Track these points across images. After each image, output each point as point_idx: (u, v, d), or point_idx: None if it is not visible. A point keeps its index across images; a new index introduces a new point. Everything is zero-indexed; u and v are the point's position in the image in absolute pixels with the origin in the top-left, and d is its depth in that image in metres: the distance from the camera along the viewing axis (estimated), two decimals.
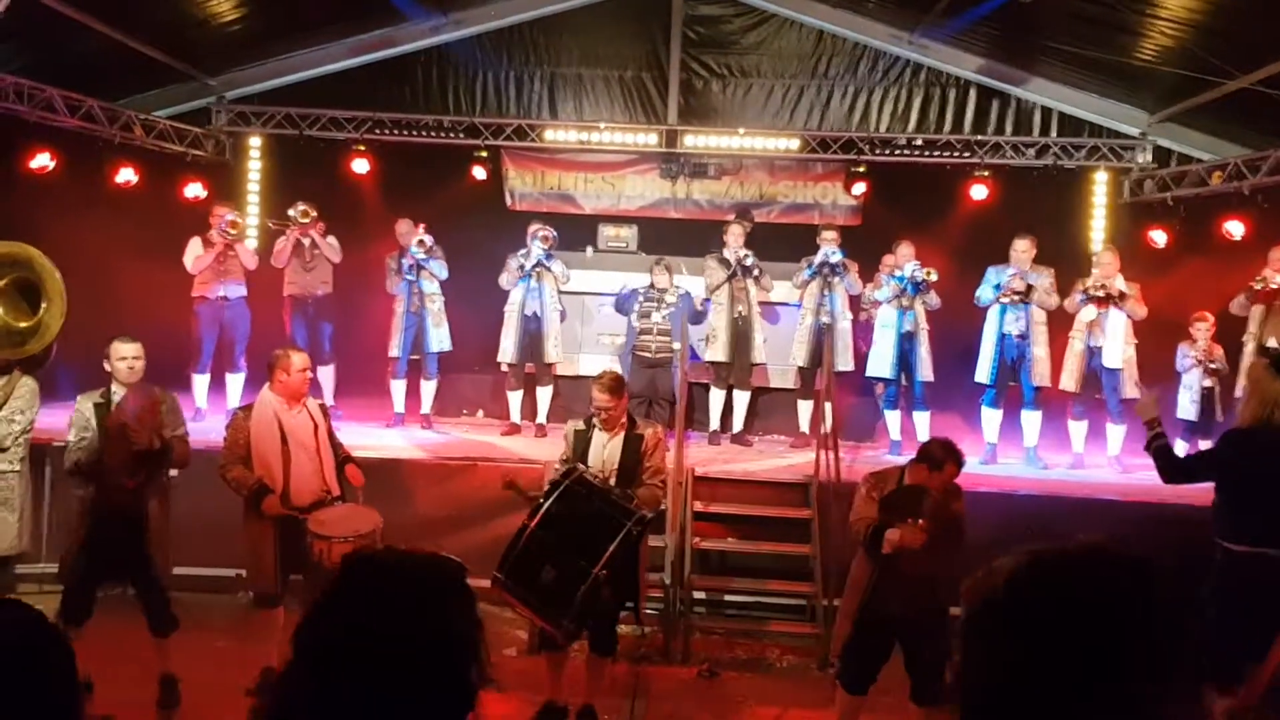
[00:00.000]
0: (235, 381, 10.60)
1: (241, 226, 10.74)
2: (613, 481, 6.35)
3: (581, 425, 6.70)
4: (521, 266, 10.66)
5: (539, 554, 5.67)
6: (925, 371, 10.33)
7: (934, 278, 10.23)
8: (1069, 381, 10.12)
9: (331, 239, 10.96)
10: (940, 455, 5.88)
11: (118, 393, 6.36)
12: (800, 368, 10.84)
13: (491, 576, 5.72)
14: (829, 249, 10.56)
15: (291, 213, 10.81)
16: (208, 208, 10.95)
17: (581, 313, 11.69)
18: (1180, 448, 7.93)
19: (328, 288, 11.03)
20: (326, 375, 10.98)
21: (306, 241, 10.87)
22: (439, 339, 10.73)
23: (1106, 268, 10.06)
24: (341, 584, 1.70)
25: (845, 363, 10.59)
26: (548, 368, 10.86)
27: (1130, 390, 9.85)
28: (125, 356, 6.38)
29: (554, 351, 10.82)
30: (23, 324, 6.64)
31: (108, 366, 6.41)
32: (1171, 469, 5.91)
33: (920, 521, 5.63)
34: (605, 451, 6.52)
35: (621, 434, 6.54)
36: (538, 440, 10.48)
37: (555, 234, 10.82)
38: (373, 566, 1.73)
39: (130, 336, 6.47)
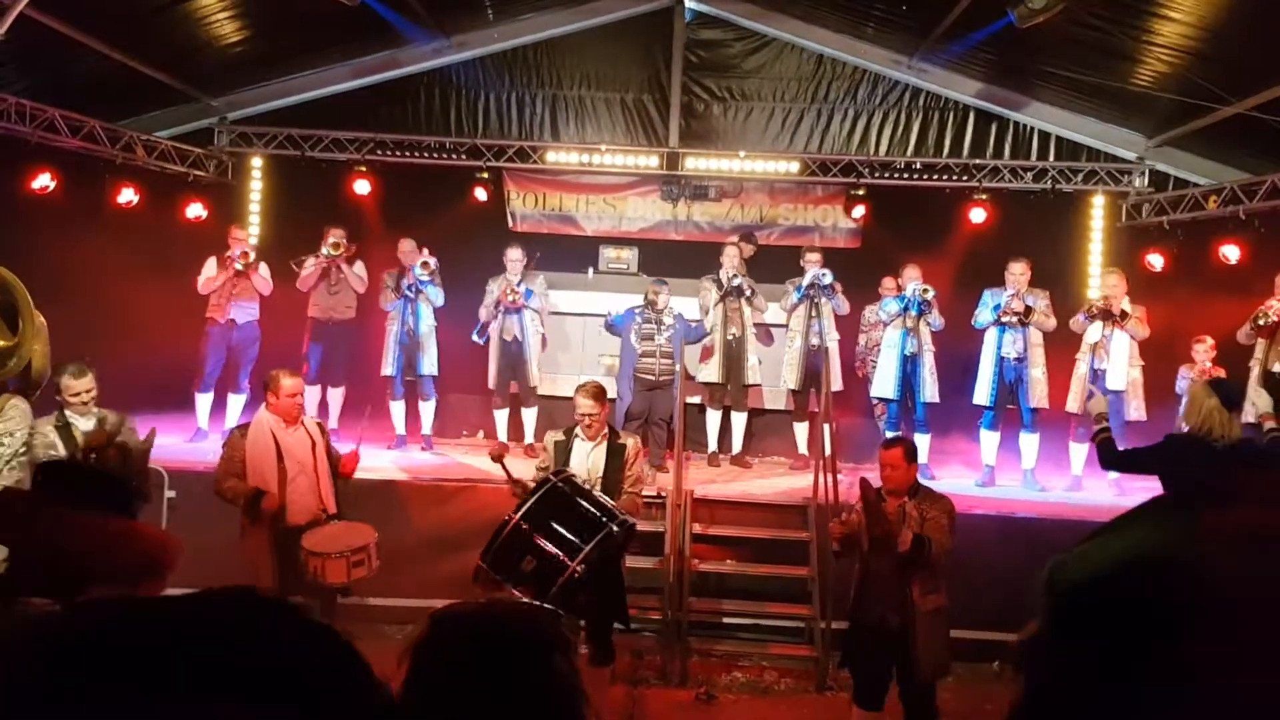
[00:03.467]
0: (236, 402, 10.61)
1: (253, 259, 10.71)
2: (597, 487, 6.42)
3: (561, 436, 6.82)
4: (498, 303, 10.73)
5: (521, 546, 5.79)
6: (928, 393, 10.33)
7: (931, 295, 10.26)
8: (1073, 403, 10.14)
9: (359, 268, 10.98)
10: (893, 441, 6.34)
11: (74, 420, 6.31)
12: (792, 390, 10.86)
13: (475, 565, 5.86)
14: (819, 271, 10.59)
15: (325, 249, 10.79)
16: (214, 228, 10.94)
17: (583, 334, 11.73)
18: None
19: (350, 312, 11.06)
20: (336, 398, 11.02)
21: (334, 268, 10.90)
22: (430, 362, 10.77)
23: (1111, 289, 10.11)
24: (429, 645, 1.59)
25: (835, 383, 10.61)
26: (532, 390, 10.94)
27: (1134, 413, 9.88)
28: (78, 391, 6.31)
29: (536, 375, 10.92)
30: (2, 344, 6.61)
31: (59, 398, 6.35)
32: (1113, 460, 6.51)
33: (842, 516, 6.06)
34: (590, 459, 6.62)
35: (604, 443, 6.63)
36: (528, 460, 10.49)
37: (522, 288, 10.77)
38: (461, 624, 1.61)
39: (79, 369, 6.36)
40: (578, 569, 5.63)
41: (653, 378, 10.47)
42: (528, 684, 1.53)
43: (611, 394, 10.81)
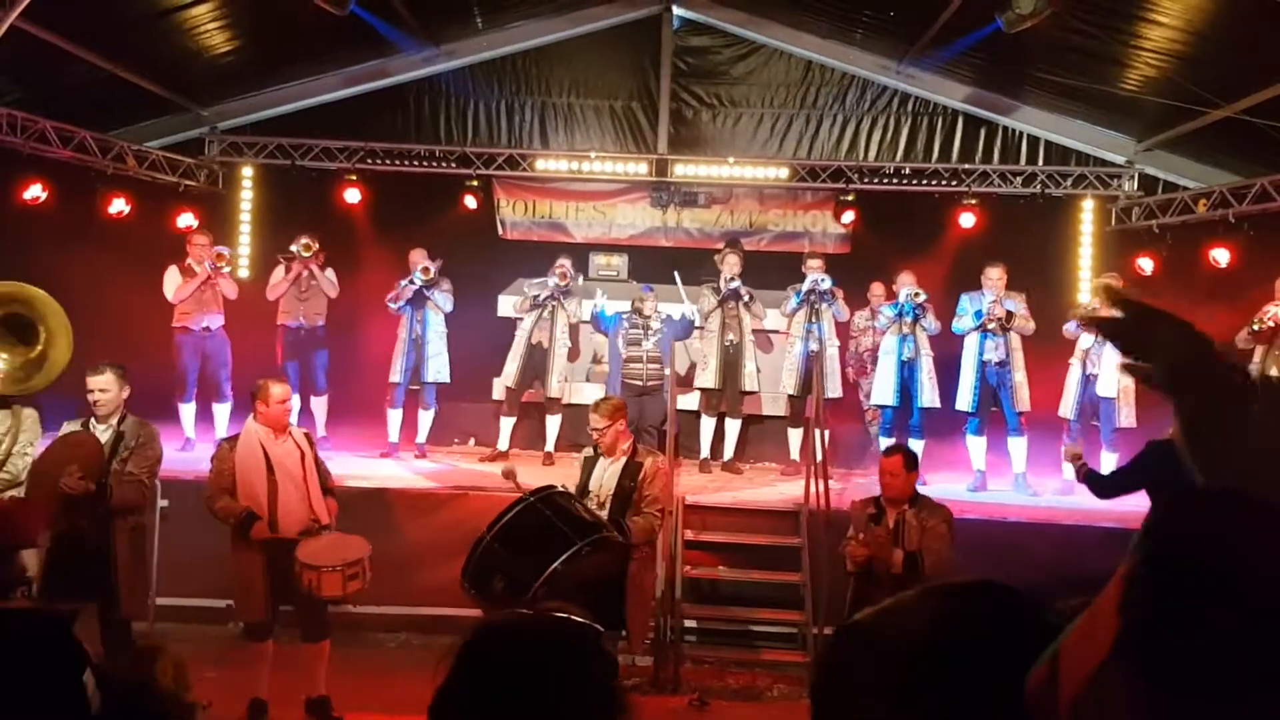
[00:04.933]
0: (222, 411, 10.58)
1: (228, 259, 10.71)
2: (607, 506, 6.38)
3: (590, 452, 6.79)
4: (536, 297, 10.73)
5: (492, 564, 5.76)
6: (927, 398, 10.28)
7: (922, 299, 10.26)
8: (1066, 409, 10.14)
9: (330, 273, 10.97)
10: (893, 449, 6.43)
11: (95, 425, 6.45)
12: (790, 395, 10.86)
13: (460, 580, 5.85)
14: (817, 276, 10.59)
15: (294, 247, 10.79)
16: (188, 235, 10.94)
17: (592, 314, 11.71)
18: None
19: (321, 319, 11.02)
20: (320, 406, 10.99)
21: (304, 273, 10.89)
22: (437, 369, 10.73)
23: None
24: (465, 654, 1.59)
25: (834, 389, 10.61)
26: (553, 400, 10.91)
27: (1125, 419, 9.87)
28: (91, 389, 6.42)
29: (556, 385, 10.87)
30: (22, 360, 6.70)
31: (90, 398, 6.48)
32: (1102, 487, 6.77)
33: (860, 535, 5.94)
34: (605, 476, 6.57)
35: (623, 460, 6.58)
36: (545, 468, 10.50)
37: (573, 271, 10.88)
38: (500, 637, 1.61)
39: (98, 367, 6.46)
40: (539, 590, 5.51)
41: (640, 383, 10.47)
42: (559, 700, 1.53)
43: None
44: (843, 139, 12.91)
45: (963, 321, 10.18)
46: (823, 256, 11.26)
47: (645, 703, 7.53)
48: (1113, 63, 10.44)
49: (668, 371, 10.47)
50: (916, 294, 10.23)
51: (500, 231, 12.90)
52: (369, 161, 12.48)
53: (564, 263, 10.95)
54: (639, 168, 12.64)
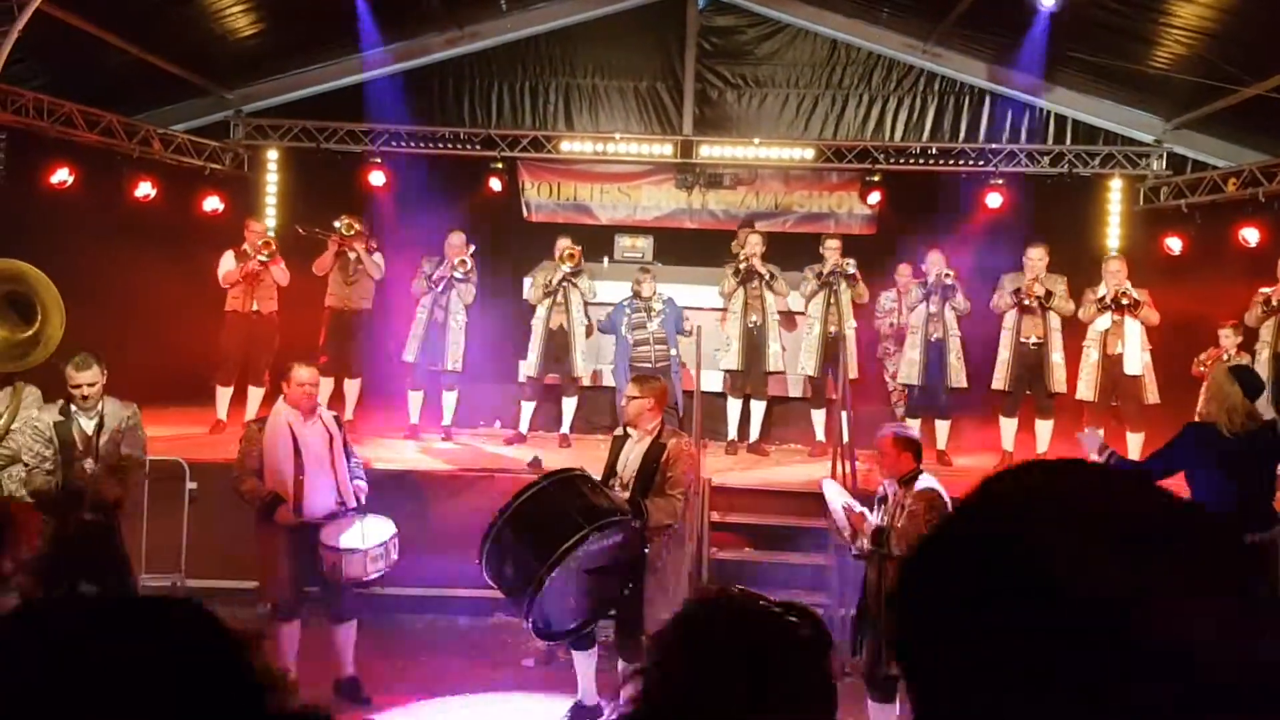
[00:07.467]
0: (256, 395, 10.60)
1: (275, 247, 10.71)
2: (631, 486, 6.37)
3: (620, 431, 6.77)
4: (548, 283, 10.68)
5: (502, 550, 5.72)
6: (955, 378, 10.22)
7: (950, 279, 10.15)
8: (1086, 391, 10.06)
9: (377, 256, 10.95)
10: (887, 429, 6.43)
11: (78, 413, 6.31)
12: (809, 376, 10.81)
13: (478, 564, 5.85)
14: (845, 260, 10.53)
15: (337, 224, 10.77)
16: (230, 220, 11.01)
17: (597, 324, 11.70)
18: None
19: (368, 303, 11.01)
20: (352, 389, 11.01)
21: (352, 256, 10.88)
22: (453, 358, 10.71)
23: (1116, 275, 10.02)
24: (681, 637, 1.56)
25: (851, 370, 10.55)
26: (574, 381, 10.87)
27: (1151, 397, 9.80)
28: (79, 384, 6.22)
29: (581, 365, 10.82)
30: (21, 336, 6.72)
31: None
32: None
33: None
34: (630, 457, 6.55)
35: (647, 440, 6.56)
36: (561, 450, 10.50)
37: (580, 250, 10.83)
38: (714, 619, 1.58)
39: (83, 362, 6.28)
40: (545, 576, 5.46)
41: (649, 365, 10.40)
42: (780, 683, 1.52)
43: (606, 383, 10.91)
44: (868, 119, 12.84)
45: (1002, 300, 10.07)
46: (844, 238, 11.17)
47: None
48: (1142, 41, 10.33)
49: (674, 352, 10.45)
50: (947, 274, 10.14)
51: (525, 214, 12.89)
52: (393, 144, 12.50)
53: (567, 242, 10.86)
54: (664, 149, 12.61)
